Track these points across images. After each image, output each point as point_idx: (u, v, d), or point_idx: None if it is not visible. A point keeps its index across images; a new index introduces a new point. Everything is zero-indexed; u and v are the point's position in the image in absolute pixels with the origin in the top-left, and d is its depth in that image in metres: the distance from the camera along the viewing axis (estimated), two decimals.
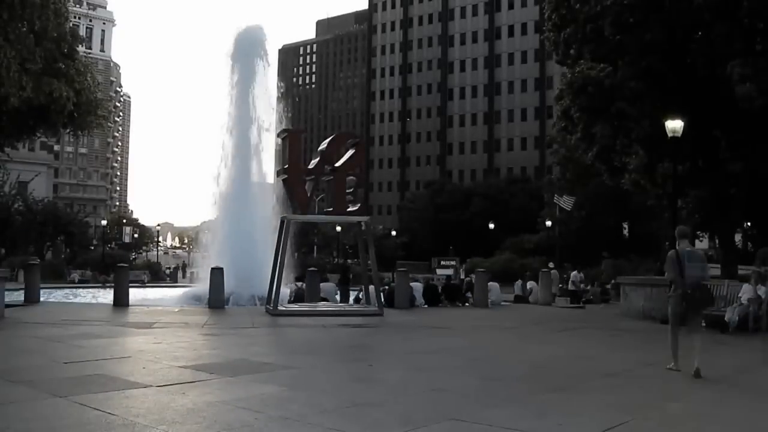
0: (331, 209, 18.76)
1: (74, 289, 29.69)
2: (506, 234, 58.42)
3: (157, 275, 49.46)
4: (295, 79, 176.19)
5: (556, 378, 8.84)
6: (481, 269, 23.68)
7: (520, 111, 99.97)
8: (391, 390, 7.88)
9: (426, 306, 21.12)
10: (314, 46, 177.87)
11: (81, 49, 28.45)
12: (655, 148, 20.33)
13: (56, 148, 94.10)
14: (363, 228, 19.29)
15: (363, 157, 23.26)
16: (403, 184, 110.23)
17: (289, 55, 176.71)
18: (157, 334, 12.39)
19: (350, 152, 18.24)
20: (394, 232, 79.15)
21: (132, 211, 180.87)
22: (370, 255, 18.45)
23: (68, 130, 29.06)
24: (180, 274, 56.12)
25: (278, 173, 18.81)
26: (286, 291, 19.52)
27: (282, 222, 18.23)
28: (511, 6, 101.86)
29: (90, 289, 29.79)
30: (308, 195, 18.03)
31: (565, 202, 46.60)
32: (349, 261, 58.36)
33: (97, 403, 6.51)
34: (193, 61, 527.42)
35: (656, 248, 41.63)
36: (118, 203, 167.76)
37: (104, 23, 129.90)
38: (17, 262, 36.37)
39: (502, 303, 22.33)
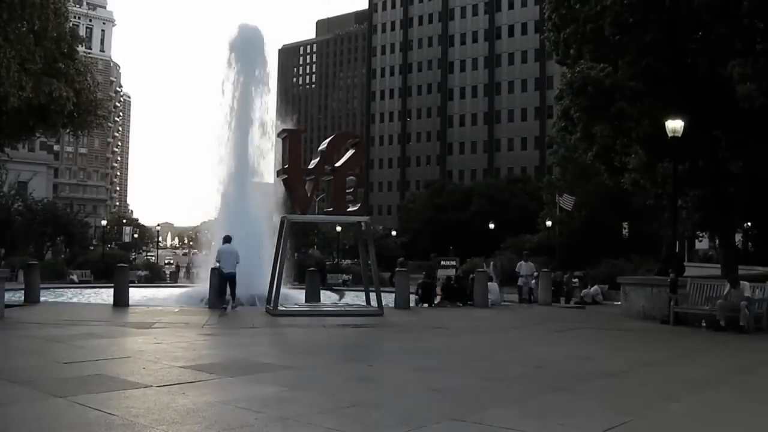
0: (331, 209, 18.74)
1: (74, 289, 29.69)
2: (506, 234, 58.36)
3: (157, 275, 49.54)
4: (295, 79, 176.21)
5: (556, 378, 8.83)
6: (481, 269, 23.66)
7: (520, 111, 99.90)
8: (391, 390, 7.88)
9: (426, 306, 21.13)
10: (314, 46, 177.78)
11: (81, 49, 28.29)
12: (655, 148, 20.27)
13: (56, 148, 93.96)
14: (363, 228, 19.28)
15: (363, 157, 23.27)
16: (403, 184, 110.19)
17: (289, 55, 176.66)
18: (157, 334, 12.39)
19: (350, 152, 18.23)
20: (394, 232, 79.11)
21: (132, 211, 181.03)
22: (370, 255, 18.45)
23: (68, 130, 28.97)
24: (182, 274, 56.13)
25: (278, 173, 18.80)
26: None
27: (282, 222, 18.22)
28: (511, 6, 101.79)
29: (89, 289, 29.76)
30: (308, 195, 18.03)
31: (565, 201, 46.61)
32: (349, 261, 58.34)
33: (97, 403, 6.51)
34: (193, 62, 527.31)
35: (656, 248, 41.60)
36: (118, 203, 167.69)
37: (104, 23, 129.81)
38: (17, 262, 36.37)
39: (502, 303, 22.32)
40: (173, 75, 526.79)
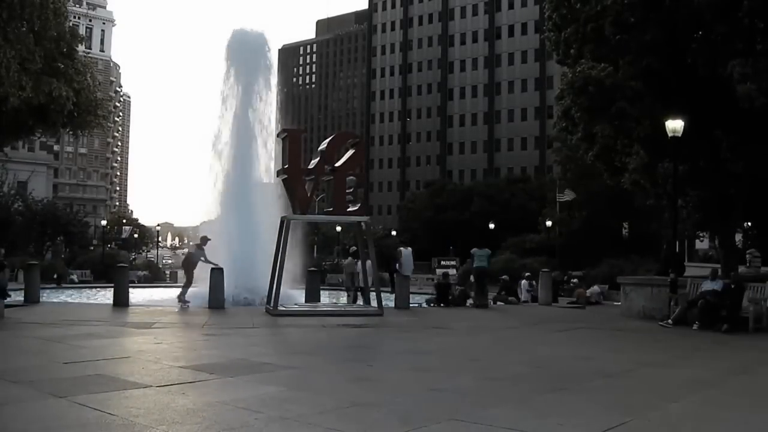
0: (331, 209, 18.74)
1: (75, 289, 29.69)
2: (507, 234, 58.37)
3: (157, 275, 49.54)
4: (295, 79, 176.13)
5: (556, 378, 8.83)
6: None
7: (520, 111, 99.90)
8: (391, 390, 7.88)
9: (425, 306, 21.12)
10: (314, 46, 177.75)
11: (81, 48, 28.33)
12: (655, 148, 20.28)
13: (56, 148, 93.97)
14: (363, 228, 19.28)
15: (363, 157, 23.26)
16: (403, 184, 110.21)
17: (289, 55, 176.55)
18: (157, 334, 12.38)
19: (350, 152, 18.22)
20: (394, 232, 79.09)
21: (132, 211, 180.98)
22: (370, 255, 18.44)
23: (68, 130, 29.00)
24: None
25: (278, 173, 18.79)
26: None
27: (282, 222, 18.21)
28: (511, 6, 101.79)
29: (89, 290, 29.77)
30: (308, 195, 18.02)
31: (566, 194, 46.81)
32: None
33: (97, 404, 6.50)
34: (193, 61, 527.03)
35: (656, 248, 41.60)
36: (118, 203, 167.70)
37: (104, 23, 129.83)
38: (17, 262, 36.33)
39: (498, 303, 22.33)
40: (173, 75, 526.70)
